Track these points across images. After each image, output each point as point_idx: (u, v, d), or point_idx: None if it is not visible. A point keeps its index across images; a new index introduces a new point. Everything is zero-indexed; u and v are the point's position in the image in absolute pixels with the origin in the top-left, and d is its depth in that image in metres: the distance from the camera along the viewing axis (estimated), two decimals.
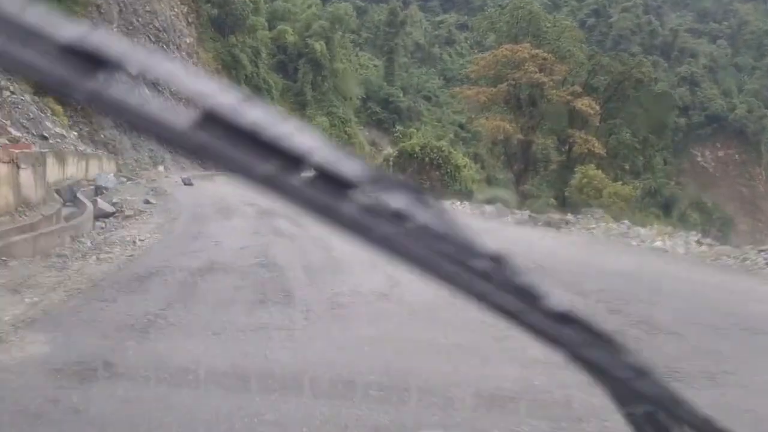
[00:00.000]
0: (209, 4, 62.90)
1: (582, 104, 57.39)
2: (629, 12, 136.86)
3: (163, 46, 54.39)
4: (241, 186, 0.60)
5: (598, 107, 58.94)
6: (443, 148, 49.14)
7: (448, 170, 48.16)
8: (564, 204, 56.79)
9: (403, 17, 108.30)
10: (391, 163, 50.71)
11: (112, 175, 22.89)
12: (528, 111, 62.93)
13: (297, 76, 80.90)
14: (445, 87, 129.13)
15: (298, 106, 79.28)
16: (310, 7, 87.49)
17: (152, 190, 22.40)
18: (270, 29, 78.28)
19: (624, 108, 65.24)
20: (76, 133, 34.27)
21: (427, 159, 48.30)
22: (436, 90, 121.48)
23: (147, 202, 18.39)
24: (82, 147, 31.20)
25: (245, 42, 67.66)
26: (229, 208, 18.42)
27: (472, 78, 70.68)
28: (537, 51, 59.32)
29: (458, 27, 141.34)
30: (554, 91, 58.88)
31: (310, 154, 0.68)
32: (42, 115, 28.67)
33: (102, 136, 44.29)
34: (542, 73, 58.28)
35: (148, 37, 53.23)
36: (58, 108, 32.70)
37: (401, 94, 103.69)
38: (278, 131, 0.67)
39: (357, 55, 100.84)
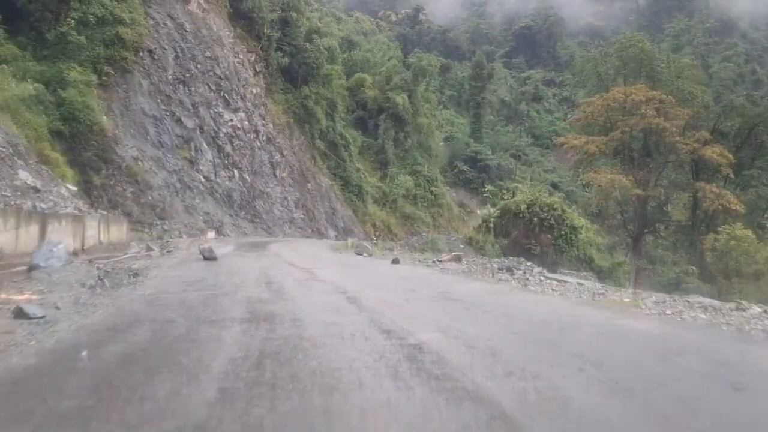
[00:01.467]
0: (279, 52, 54.72)
1: (711, 152, 46.15)
2: (730, 61, 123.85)
3: (224, 96, 45.95)
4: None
5: (730, 156, 47.30)
6: (556, 206, 38.19)
7: (563, 232, 37.06)
8: (702, 273, 45.08)
9: (490, 70, 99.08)
10: (491, 225, 39.83)
11: (62, 246, 13.03)
12: (644, 162, 51.90)
13: (377, 133, 71.82)
14: (534, 145, 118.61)
15: (379, 164, 69.82)
16: (390, 59, 78.91)
17: (131, 273, 12.49)
18: (347, 79, 69.68)
19: (761, 155, 53.37)
20: (76, 188, 25.17)
21: (536, 219, 37.37)
22: (525, 148, 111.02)
23: (77, 301, 8.58)
24: (84, 207, 22.19)
25: (320, 93, 58.99)
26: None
27: (577, 125, 59.91)
28: (654, 93, 48.49)
29: (545, 83, 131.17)
30: (677, 138, 47.73)
31: None
32: (22, 163, 19.82)
33: (149, 197, 35.50)
34: (662, 118, 47.32)
35: (208, 85, 44.93)
36: (55, 155, 23.88)
37: (490, 152, 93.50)
38: None
39: (441, 111, 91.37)
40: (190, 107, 43.27)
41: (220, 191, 42.60)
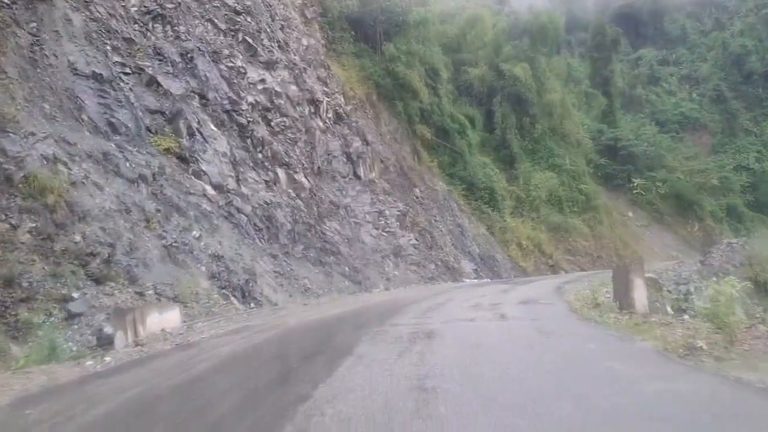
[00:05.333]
0: None
1: None
2: None
3: (247, 40, 22.84)
4: None
5: None
6: None
7: None
8: None
9: (615, 35, 73.35)
10: None
11: None
12: None
13: (493, 121, 47.14)
14: (662, 132, 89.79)
15: (502, 163, 44.67)
16: (494, 26, 54.22)
17: None
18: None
19: None
20: None
21: None
22: (653, 136, 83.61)
23: None
24: None
25: (412, 53, 35.09)
26: None
27: None
28: None
29: (659, 63, 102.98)
30: None
31: None
32: None
33: (79, 235, 12.27)
34: None
35: (213, 21, 22.02)
36: None
37: (632, 137, 67.15)
38: None
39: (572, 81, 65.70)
40: (177, 59, 20.30)
41: (247, 211, 19.09)
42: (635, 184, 61.16)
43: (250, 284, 16.66)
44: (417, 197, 28.65)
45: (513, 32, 53.46)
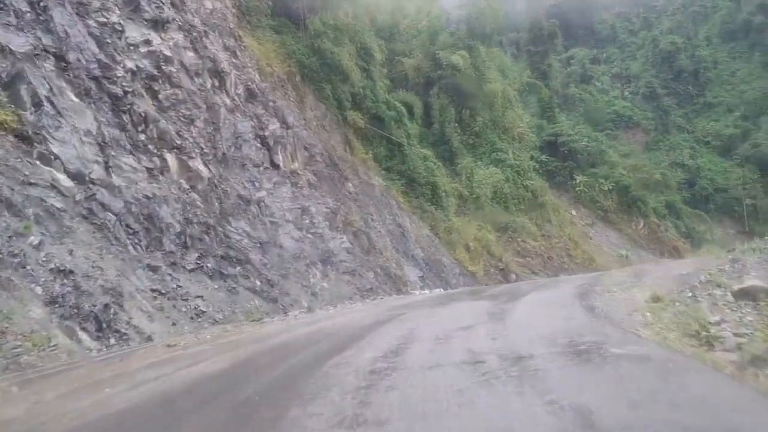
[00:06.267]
0: None
1: None
2: None
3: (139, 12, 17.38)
4: None
5: None
6: None
7: None
8: None
9: (552, 28, 70.49)
10: None
11: None
12: None
13: (431, 115, 42.74)
14: (596, 131, 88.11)
15: (442, 159, 40.12)
16: (429, 13, 49.87)
17: None
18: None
19: None
20: None
21: None
22: (590, 134, 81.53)
23: None
24: None
25: (341, 29, 30.32)
26: None
27: None
28: None
29: (591, 62, 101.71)
30: None
31: None
32: None
33: None
34: None
35: None
36: None
37: (572, 132, 64.28)
38: None
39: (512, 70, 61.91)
40: (23, 8, 14.76)
41: (117, 208, 13.72)
42: (578, 181, 58.02)
43: (112, 310, 11.33)
44: (350, 192, 23.66)
45: (450, 19, 49.28)
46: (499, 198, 40.83)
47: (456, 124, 43.67)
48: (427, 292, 19.28)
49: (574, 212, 55.68)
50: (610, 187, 58.51)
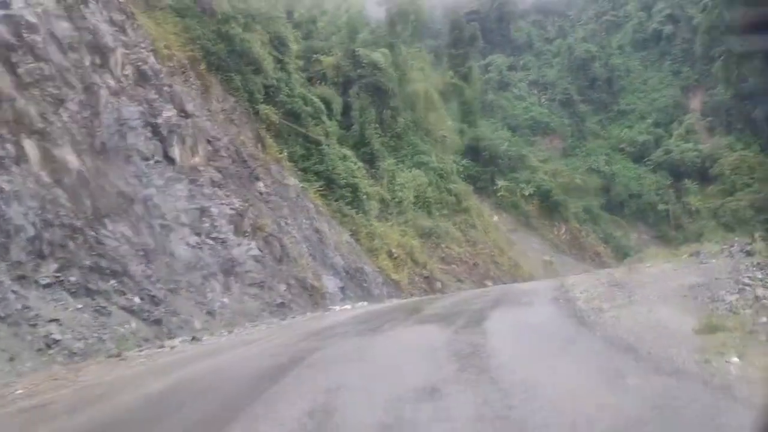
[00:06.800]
0: None
1: None
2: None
3: None
4: None
5: None
6: None
7: None
8: None
9: (473, 30, 69.43)
10: None
11: None
12: None
13: (350, 116, 40.17)
14: (515, 136, 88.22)
15: (364, 162, 37.59)
16: (347, 11, 47.39)
17: None
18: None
19: None
20: None
21: None
22: (509, 139, 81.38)
23: None
24: None
25: (253, 16, 27.39)
26: None
27: None
28: None
29: (508, 69, 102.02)
30: None
31: None
32: None
33: None
34: None
35: None
36: None
37: (493, 137, 63.29)
38: None
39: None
40: None
41: None
42: (499, 186, 56.85)
43: None
44: (261, 193, 20.73)
45: (370, 15, 46.93)
46: (423, 202, 38.71)
47: (377, 125, 41.22)
48: (349, 306, 16.62)
49: (496, 218, 54.37)
50: (532, 192, 57.70)
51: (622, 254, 61.85)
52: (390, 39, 44.06)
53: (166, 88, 18.11)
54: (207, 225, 15.48)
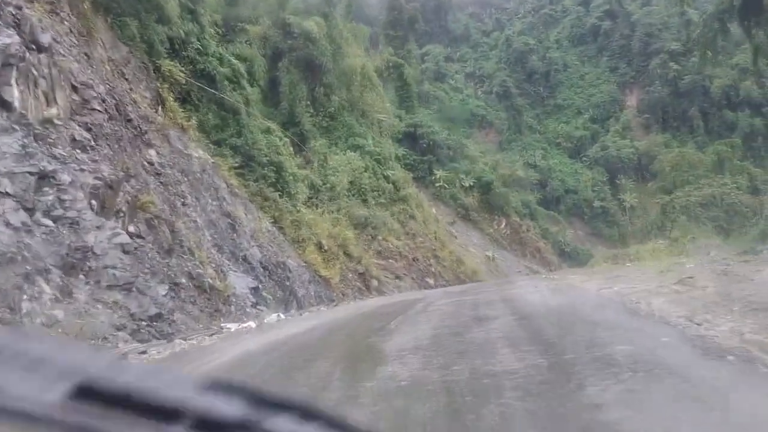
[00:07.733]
0: None
1: None
2: (651, 5, 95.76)
3: None
4: None
5: None
6: None
7: None
8: None
9: (411, 13, 65.10)
10: None
11: None
12: None
13: (278, 91, 35.05)
14: (452, 127, 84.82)
15: (293, 144, 32.60)
16: None
17: None
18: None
19: None
20: None
21: None
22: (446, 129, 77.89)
23: None
24: None
25: None
26: None
27: None
28: None
29: (445, 60, 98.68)
30: None
31: (185, 404, 0.58)
32: None
33: None
34: None
35: None
36: None
37: (431, 124, 59.21)
38: (151, 388, 0.58)
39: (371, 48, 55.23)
40: None
41: None
42: (438, 176, 52.85)
43: None
44: (151, 163, 15.57)
45: None
46: (358, 189, 34.09)
47: (308, 103, 36.40)
48: (252, 324, 11.66)
49: (434, 210, 50.30)
50: (472, 183, 54.02)
51: (559, 250, 59.13)
52: (325, 7, 39.14)
53: (9, 9, 12.73)
54: (51, 197, 10.37)
